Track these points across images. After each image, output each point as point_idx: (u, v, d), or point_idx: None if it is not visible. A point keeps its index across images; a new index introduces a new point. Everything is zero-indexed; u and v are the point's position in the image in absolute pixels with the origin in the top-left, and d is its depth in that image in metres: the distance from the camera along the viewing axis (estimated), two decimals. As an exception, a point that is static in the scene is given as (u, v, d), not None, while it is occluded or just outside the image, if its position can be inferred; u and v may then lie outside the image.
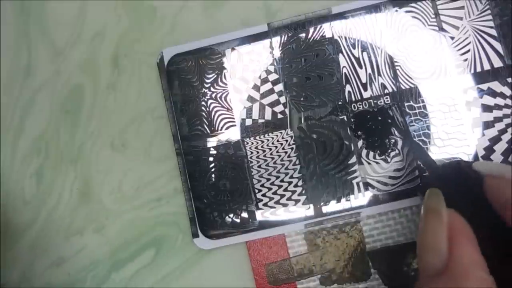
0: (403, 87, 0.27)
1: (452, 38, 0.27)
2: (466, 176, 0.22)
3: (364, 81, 0.27)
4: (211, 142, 0.28)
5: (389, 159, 0.27)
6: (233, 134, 0.28)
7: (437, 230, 0.19)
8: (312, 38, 0.28)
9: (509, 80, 0.27)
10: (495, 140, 0.26)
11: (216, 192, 0.28)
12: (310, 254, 0.27)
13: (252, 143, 0.28)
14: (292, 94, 0.28)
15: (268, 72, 0.28)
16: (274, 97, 0.28)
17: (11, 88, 0.30)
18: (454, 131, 0.27)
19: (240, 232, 0.27)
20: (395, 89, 0.27)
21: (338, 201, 0.27)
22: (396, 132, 0.27)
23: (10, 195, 0.30)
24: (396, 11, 0.27)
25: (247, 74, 0.28)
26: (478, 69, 0.27)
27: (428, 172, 0.25)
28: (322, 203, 0.27)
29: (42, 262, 0.29)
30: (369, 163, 0.27)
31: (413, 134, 0.27)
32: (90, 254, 0.29)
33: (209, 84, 0.28)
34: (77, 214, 0.29)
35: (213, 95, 0.28)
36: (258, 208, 0.27)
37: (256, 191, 0.27)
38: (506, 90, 0.27)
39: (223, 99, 0.28)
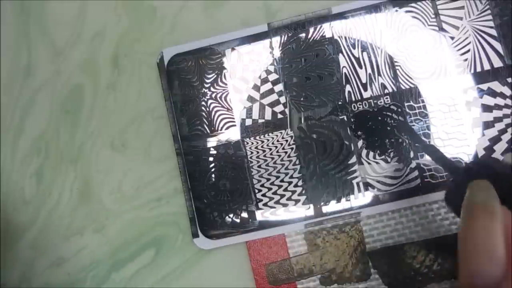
0: (403, 87, 0.27)
1: (452, 38, 0.27)
2: (497, 172, 0.19)
3: (364, 81, 0.27)
4: (211, 142, 0.28)
5: (389, 159, 0.27)
6: (233, 134, 0.28)
7: (491, 230, 0.16)
8: (312, 38, 0.28)
9: (509, 80, 0.27)
10: (495, 140, 0.26)
11: (216, 192, 0.28)
12: (310, 254, 0.27)
13: (252, 143, 0.28)
14: (292, 94, 0.28)
15: (268, 72, 0.28)
16: (274, 97, 0.28)
17: (11, 88, 0.30)
18: (454, 131, 0.27)
19: (240, 232, 0.27)
20: (395, 89, 0.27)
21: (338, 201, 0.27)
22: (406, 139, 0.26)
23: (10, 195, 0.30)
24: (396, 11, 0.27)
25: (247, 74, 0.28)
26: (478, 69, 0.27)
27: (451, 176, 0.24)
28: (322, 203, 0.27)
29: (42, 262, 0.29)
30: (369, 163, 0.27)
31: (424, 139, 0.27)
32: (90, 254, 0.29)
33: (209, 84, 0.28)
34: (77, 214, 0.29)
35: (213, 95, 0.28)
36: (258, 208, 0.27)
37: (256, 191, 0.27)
38: (506, 90, 0.27)
39: (223, 99, 0.28)
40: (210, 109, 0.28)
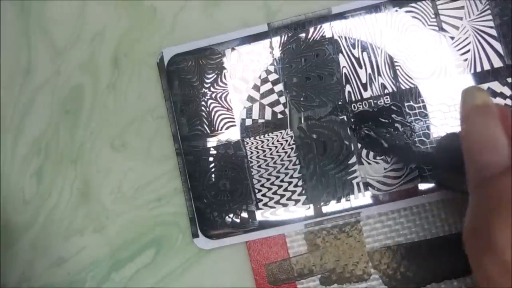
0: (403, 87, 0.27)
1: (452, 38, 0.27)
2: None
3: (364, 81, 0.27)
4: (211, 142, 0.28)
5: (389, 159, 0.27)
6: (233, 134, 0.28)
7: (491, 124, 0.17)
8: (312, 38, 0.28)
9: (509, 80, 0.27)
10: (495, 140, 0.26)
11: (216, 192, 0.28)
12: (310, 254, 0.27)
13: (252, 143, 0.28)
14: (292, 94, 0.28)
15: (268, 72, 0.28)
16: (274, 97, 0.28)
17: (11, 88, 0.30)
18: (454, 131, 0.27)
19: (240, 232, 0.27)
20: (395, 89, 0.27)
21: (338, 201, 0.27)
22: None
23: (10, 195, 0.30)
24: (396, 11, 0.27)
25: (247, 74, 0.28)
26: (478, 69, 0.27)
27: (427, 163, 0.25)
28: (322, 203, 0.27)
29: (42, 262, 0.29)
30: (369, 163, 0.27)
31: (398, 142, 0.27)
32: (90, 254, 0.29)
33: (209, 84, 0.28)
34: (77, 214, 0.29)
35: (213, 95, 0.28)
36: (258, 208, 0.27)
37: (256, 191, 0.27)
38: (506, 90, 0.27)
39: (223, 99, 0.28)
40: (210, 109, 0.28)
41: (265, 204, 0.27)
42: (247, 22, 0.29)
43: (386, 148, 0.26)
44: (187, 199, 0.28)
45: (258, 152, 0.28)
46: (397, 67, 0.27)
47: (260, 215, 0.27)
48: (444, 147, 0.23)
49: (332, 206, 0.27)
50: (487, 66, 0.27)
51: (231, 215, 0.27)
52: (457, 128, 0.26)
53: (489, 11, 0.27)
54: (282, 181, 0.27)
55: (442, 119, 0.27)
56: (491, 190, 0.17)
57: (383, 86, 0.27)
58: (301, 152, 0.27)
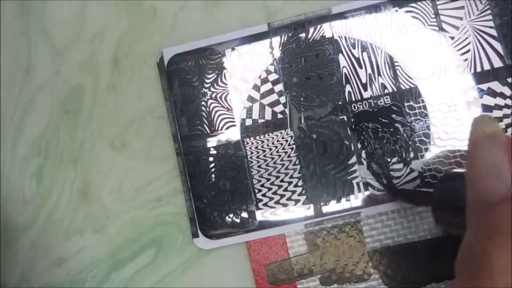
0: (403, 87, 0.27)
1: (452, 38, 0.27)
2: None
3: (364, 81, 0.27)
4: (211, 142, 0.28)
5: (389, 159, 0.27)
6: (233, 134, 0.28)
7: (497, 153, 0.18)
8: (312, 38, 0.28)
9: (509, 80, 0.27)
10: (495, 140, 0.26)
11: (216, 192, 0.28)
12: (310, 254, 0.27)
13: (252, 143, 0.28)
14: (292, 94, 0.28)
15: (268, 72, 0.28)
16: (274, 97, 0.28)
17: (11, 88, 0.30)
18: (454, 131, 0.27)
19: (240, 232, 0.27)
20: (395, 89, 0.27)
21: (338, 201, 0.27)
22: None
23: (10, 195, 0.30)
24: (396, 11, 0.27)
25: (247, 74, 0.28)
26: (478, 69, 0.27)
27: (429, 204, 0.25)
28: (322, 203, 0.27)
29: (42, 262, 0.29)
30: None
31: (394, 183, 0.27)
32: (90, 254, 0.29)
33: (209, 84, 0.28)
34: (77, 214, 0.29)
35: (213, 95, 0.28)
36: (258, 208, 0.27)
37: (256, 191, 0.27)
38: (506, 90, 0.27)
39: (223, 99, 0.28)
40: (210, 109, 0.28)
41: (265, 204, 0.27)
42: (247, 22, 0.29)
43: (387, 187, 0.26)
44: (187, 199, 0.28)
45: (258, 152, 0.28)
46: (397, 67, 0.27)
47: (260, 215, 0.27)
48: (444, 186, 0.24)
49: (332, 206, 0.27)
50: (487, 66, 0.27)
51: (231, 215, 0.27)
52: (456, 140, 0.27)
53: (489, 11, 0.27)
54: (282, 181, 0.27)
55: (442, 119, 0.27)
56: (491, 216, 0.17)
57: (383, 86, 0.27)
58: (301, 152, 0.27)
